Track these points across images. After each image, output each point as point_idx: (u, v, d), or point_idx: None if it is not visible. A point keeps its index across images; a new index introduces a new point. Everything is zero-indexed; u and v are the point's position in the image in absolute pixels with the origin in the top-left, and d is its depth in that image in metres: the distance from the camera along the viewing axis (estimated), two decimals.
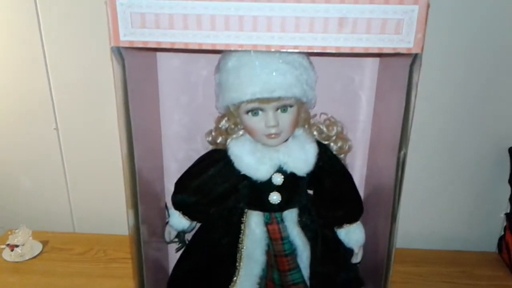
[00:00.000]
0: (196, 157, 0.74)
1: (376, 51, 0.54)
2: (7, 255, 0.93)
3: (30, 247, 0.95)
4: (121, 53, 0.56)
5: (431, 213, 0.99)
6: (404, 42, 0.53)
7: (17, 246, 0.93)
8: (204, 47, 0.54)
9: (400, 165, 0.61)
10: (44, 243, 0.98)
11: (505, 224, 0.96)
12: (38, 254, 0.95)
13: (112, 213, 1.03)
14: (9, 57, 0.93)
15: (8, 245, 0.93)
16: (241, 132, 0.70)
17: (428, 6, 0.52)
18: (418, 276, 0.90)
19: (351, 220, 0.73)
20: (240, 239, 0.71)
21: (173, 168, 0.80)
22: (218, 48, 0.54)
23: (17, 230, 0.94)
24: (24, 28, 0.90)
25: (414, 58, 0.55)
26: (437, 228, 1.00)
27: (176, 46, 0.54)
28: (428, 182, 0.96)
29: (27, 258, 0.93)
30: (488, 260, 0.96)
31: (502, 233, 0.97)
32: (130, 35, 0.54)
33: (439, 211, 0.99)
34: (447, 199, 0.98)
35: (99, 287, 0.82)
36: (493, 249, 1.00)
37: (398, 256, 0.92)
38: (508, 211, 0.95)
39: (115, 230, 1.02)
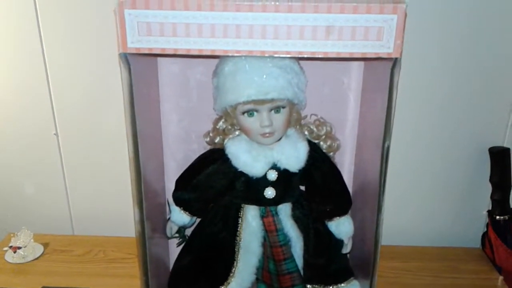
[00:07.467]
0: (194, 157, 0.77)
1: (360, 56, 0.58)
2: (10, 257, 0.94)
3: (32, 249, 0.96)
4: (127, 59, 0.59)
5: (417, 212, 1.02)
6: (385, 47, 0.57)
7: (19, 248, 0.94)
8: (204, 53, 0.58)
9: (384, 157, 0.64)
10: (45, 245, 0.99)
11: (487, 221, 0.98)
12: (40, 256, 0.96)
13: (110, 216, 1.04)
14: (9, 63, 0.94)
15: (10, 247, 0.94)
16: (237, 132, 0.73)
17: (406, 15, 0.56)
18: (407, 271, 0.93)
19: (340, 213, 0.76)
20: (238, 232, 0.74)
21: (173, 167, 0.82)
22: (217, 53, 0.58)
23: (18, 233, 0.96)
24: (24, 34, 0.91)
25: (394, 62, 0.58)
26: (423, 226, 1.03)
27: (178, 52, 0.58)
28: (414, 183, 0.99)
29: (29, 259, 0.94)
30: (472, 255, 0.98)
31: (485, 229, 1.00)
32: (137, 42, 0.57)
33: (425, 209, 1.01)
34: (433, 199, 1.00)
35: (101, 286, 0.83)
36: (477, 245, 1.02)
37: (387, 253, 0.93)
38: (490, 208, 0.97)
39: (113, 232, 1.03)
